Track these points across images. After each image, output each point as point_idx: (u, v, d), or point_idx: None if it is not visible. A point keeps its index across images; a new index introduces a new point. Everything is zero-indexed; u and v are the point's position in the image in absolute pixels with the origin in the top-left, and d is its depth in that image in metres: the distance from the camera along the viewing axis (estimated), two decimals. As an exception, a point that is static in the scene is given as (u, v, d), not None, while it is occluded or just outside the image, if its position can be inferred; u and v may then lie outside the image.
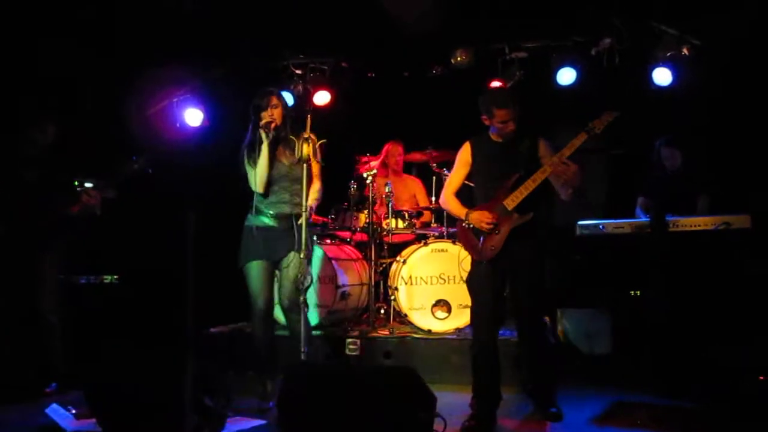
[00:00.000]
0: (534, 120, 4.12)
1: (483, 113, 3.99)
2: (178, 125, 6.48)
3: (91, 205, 4.66)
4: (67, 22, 5.49)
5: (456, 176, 4.16)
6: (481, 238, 3.94)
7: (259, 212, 4.37)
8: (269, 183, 4.33)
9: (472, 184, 4.22)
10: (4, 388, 4.39)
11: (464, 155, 4.11)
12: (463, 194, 4.22)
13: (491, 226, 3.88)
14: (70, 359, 4.73)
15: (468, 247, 4.06)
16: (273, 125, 4.26)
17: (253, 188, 4.34)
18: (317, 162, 4.30)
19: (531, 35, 6.03)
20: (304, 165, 4.11)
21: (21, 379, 4.55)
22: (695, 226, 4.84)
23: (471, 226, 3.97)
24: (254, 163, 4.31)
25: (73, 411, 3.82)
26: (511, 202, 3.87)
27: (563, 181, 3.89)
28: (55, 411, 3.84)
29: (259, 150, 4.26)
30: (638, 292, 5.58)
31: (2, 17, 5.24)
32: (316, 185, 4.39)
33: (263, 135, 4.25)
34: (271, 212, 4.34)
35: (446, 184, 4.22)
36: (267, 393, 4.34)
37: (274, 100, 4.35)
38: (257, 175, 4.30)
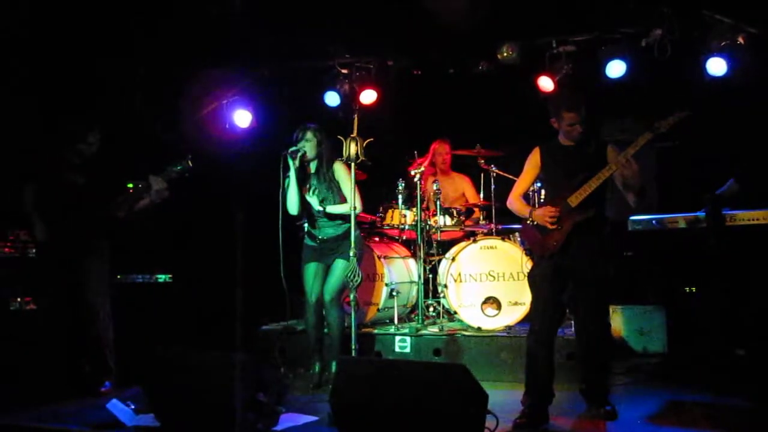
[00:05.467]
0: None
1: (552, 116, 4.04)
2: (227, 126, 6.59)
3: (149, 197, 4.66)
4: (117, 27, 5.62)
5: (525, 179, 4.23)
6: (545, 234, 3.98)
7: (309, 235, 4.84)
8: (305, 212, 4.73)
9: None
10: (62, 384, 4.54)
11: (534, 159, 4.17)
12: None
13: (554, 221, 3.92)
14: (126, 356, 4.83)
15: (531, 243, 4.12)
16: (299, 154, 4.60)
17: (289, 210, 4.65)
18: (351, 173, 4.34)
19: (578, 28, 5.94)
20: (352, 165, 4.27)
21: (77, 377, 4.67)
22: (754, 220, 4.69)
23: (535, 222, 4.03)
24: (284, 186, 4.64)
25: (133, 406, 3.95)
26: (575, 199, 3.91)
27: (625, 180, 3.89)
28: (115, 406, 3.95)
29: (285, 175, 4.60)
30: (693, 289, 5.47)
31: (54, 25, 5.40)
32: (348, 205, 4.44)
33: (289, 160, 4.58)
34: (320, 237, 4.76)
35: (515, 186, 4.27)
36: (318, 380, 4.72)
37: (309, 135, 4.68)
38: (287, 199, 4.65)
